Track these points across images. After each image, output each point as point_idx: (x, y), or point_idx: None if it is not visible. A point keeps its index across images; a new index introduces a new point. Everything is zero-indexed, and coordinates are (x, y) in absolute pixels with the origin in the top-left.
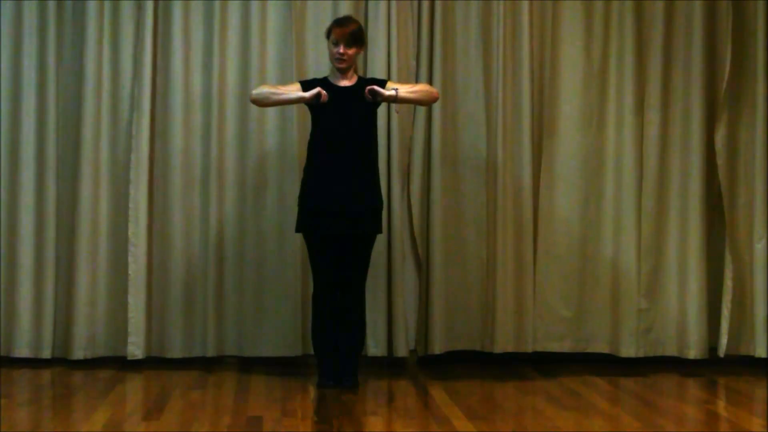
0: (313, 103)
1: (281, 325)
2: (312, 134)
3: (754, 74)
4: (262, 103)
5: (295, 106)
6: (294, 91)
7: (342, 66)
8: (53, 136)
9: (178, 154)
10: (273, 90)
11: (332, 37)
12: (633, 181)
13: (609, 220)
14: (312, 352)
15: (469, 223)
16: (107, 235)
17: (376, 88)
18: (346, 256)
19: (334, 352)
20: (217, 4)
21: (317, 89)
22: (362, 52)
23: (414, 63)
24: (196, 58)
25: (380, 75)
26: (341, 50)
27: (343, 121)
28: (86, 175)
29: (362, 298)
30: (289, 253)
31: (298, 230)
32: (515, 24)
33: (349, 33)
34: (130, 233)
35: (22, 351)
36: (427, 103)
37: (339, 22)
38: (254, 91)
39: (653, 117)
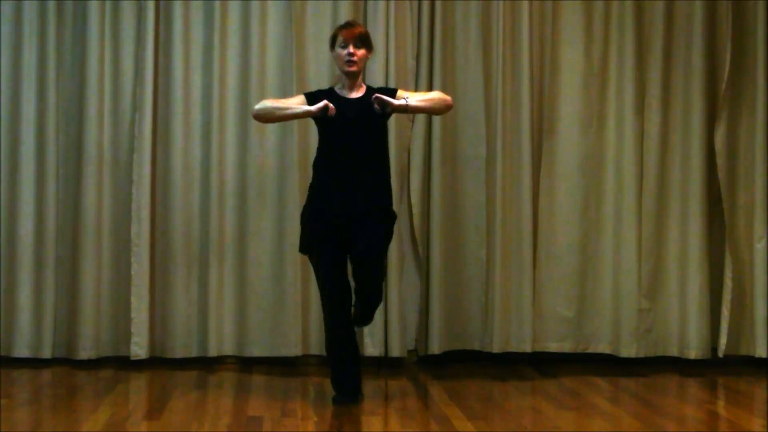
0: (320, 117)
1: (281, 325)
2: (319, 150)
3: (754, 74)
4: (266, 118)
5: None
6: (298, 104)
7: (353, 69)
8: (53, 136)
9: (179, 154)
10: (277, 104)
11: (339, 40)
12: (633, 181)
13: (609, 220)
14: (312, 351)
15: (468, 222)
16: (110, 235)
17: (384, 97)
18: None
19: (352, 366)
20: (217, 4)
21: (324, 102)
22: (370, 57)
23: (413, 63)
24: (197, 58)
25: (379, 75)
26: (351, 50)
27: (352, 135)
28: (89, 175)
29: (380, 295)
30: (289, 253)
31: (303, 251)
32: (515, 24)
33: (357, 33)
34: (132, 233)
35: (22, 351)
36: (441, 111)
37: (344, 26)
38: (257, 106)
39: (653, 117)
